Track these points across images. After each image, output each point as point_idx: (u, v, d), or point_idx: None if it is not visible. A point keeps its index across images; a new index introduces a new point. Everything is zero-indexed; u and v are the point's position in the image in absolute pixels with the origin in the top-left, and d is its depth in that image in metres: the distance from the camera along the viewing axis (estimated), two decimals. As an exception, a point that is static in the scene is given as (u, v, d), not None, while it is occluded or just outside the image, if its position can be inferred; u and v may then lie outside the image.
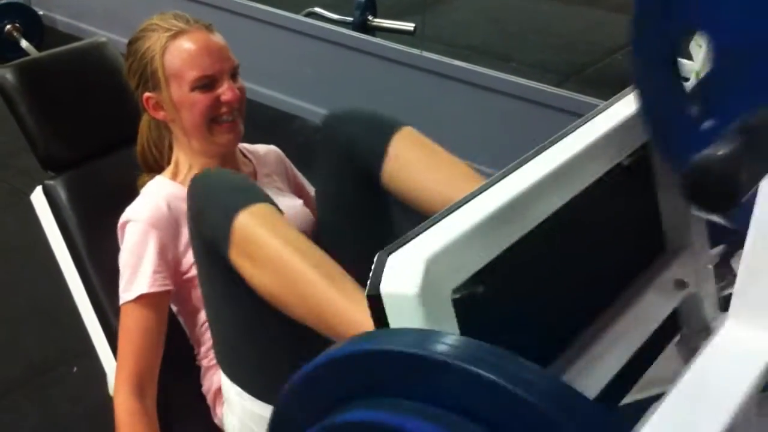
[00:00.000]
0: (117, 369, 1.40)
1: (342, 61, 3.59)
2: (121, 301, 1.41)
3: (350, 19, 3.73)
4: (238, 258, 1.16)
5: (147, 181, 1.53)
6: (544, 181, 0.81)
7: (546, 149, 0.86)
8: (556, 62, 4.28)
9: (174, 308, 1.51)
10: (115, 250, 1.46)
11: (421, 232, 0.73)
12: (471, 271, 0.73)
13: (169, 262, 1.42)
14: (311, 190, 1.69)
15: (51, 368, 2.27)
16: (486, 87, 3.15)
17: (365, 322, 0.75)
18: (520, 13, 5.07)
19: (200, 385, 1.51)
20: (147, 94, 1.48)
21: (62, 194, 1.61)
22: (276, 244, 1.14)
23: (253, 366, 1.33)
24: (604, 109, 0.96)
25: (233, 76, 1.48)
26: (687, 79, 1.09)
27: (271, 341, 1.30)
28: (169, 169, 1.54)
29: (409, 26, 3.62)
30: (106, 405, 1.42)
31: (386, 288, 0.69)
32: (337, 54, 3.58)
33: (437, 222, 0.75)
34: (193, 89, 1.44)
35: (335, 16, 3.78)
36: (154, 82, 1.46)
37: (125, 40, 1.52)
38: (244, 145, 1.66)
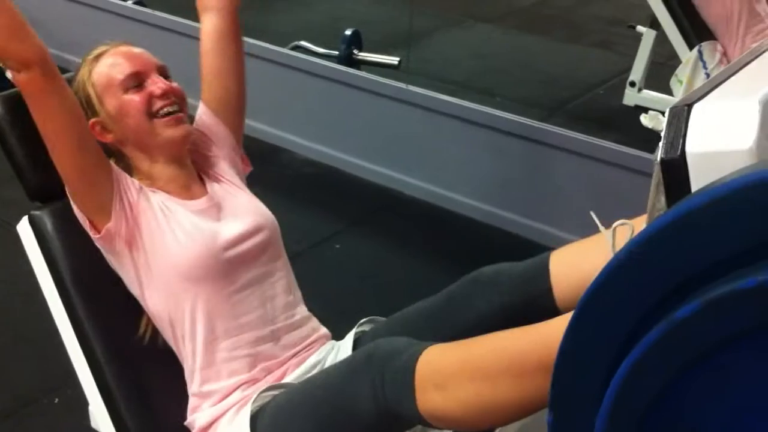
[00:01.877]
0: None
1: (328, 95, 3.61)
2: None
3: (336, 53, 3.76)
4: (426, 400, 1.18)
5: None
6: None
7: None
8: (539, 97, 4.32)
9: (157, 319, 1.50)
10: (101, 281, 1.45)
11: (723, 80, 0.55)
12: None
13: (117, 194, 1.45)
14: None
15: (35, 399, 2.25)
16: (473, 121, 3.18)
17: (556, 335, 0.70)
18: (503, 49, 5.12)
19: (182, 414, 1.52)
20: (91, 120, 1.51)
21: (48, 225, 1.59)
22: (453, 359, 1.20)
23: None
24: None
25: (164, 76, 1.54)
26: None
27: None
28: None
29: (394, 60, 3.65)
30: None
31: (697, 145, 0.52)
32: (323, 87, 3.60)
33: (746, 65, 0.56)
34: (125, 92, 1.50)
35: (321, 50, 3.82)
36: (92, 106, 1.51)
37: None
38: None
